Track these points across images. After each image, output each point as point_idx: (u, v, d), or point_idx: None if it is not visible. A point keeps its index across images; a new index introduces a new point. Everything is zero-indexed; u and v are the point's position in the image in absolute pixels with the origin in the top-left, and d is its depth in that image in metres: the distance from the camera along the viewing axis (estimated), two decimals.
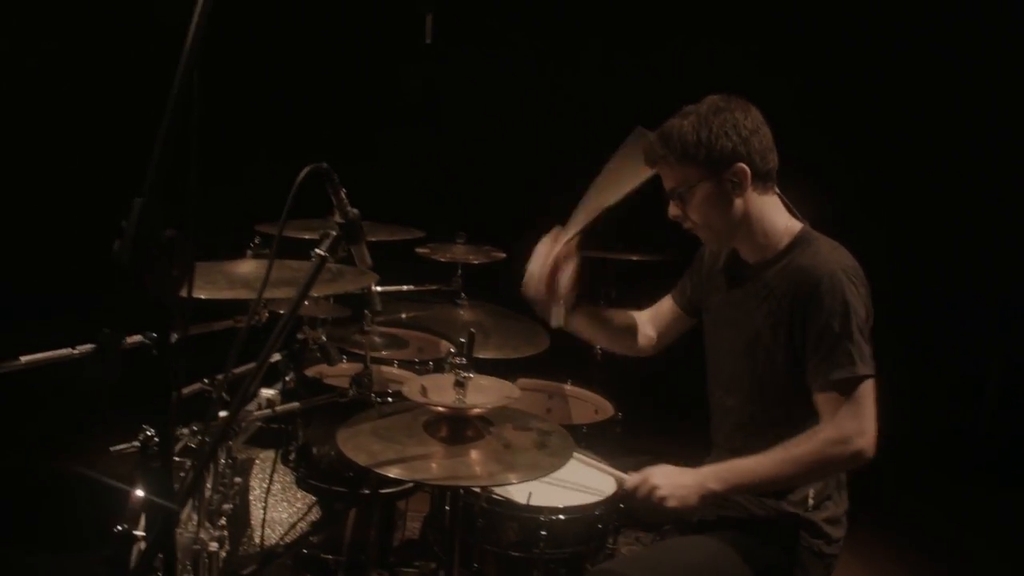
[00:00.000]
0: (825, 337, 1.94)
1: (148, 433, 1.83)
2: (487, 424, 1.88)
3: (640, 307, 2.80)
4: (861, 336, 1.95)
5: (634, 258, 3.60)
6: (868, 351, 1.95)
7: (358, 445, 1.76)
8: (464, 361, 1.81)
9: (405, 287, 3.41)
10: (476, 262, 3.35)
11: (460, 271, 3.40)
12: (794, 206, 2.19)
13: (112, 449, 1.75)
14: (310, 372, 2.48)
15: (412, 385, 1.86)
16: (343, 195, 1.67)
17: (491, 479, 1.75)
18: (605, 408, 3.09)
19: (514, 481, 1.73)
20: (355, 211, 1.69)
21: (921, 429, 1.99)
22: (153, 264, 1.01)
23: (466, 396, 1.81)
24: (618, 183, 2.23)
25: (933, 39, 3.97)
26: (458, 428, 1.82)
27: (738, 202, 2.09)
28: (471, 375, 1.81)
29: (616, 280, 3.73)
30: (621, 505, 2.32)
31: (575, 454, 2.19)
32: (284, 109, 4.19)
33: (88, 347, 1.73)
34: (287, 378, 2.38)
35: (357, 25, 4.14)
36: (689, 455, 2.44)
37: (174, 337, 1.17)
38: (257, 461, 2.74)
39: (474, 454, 1.77)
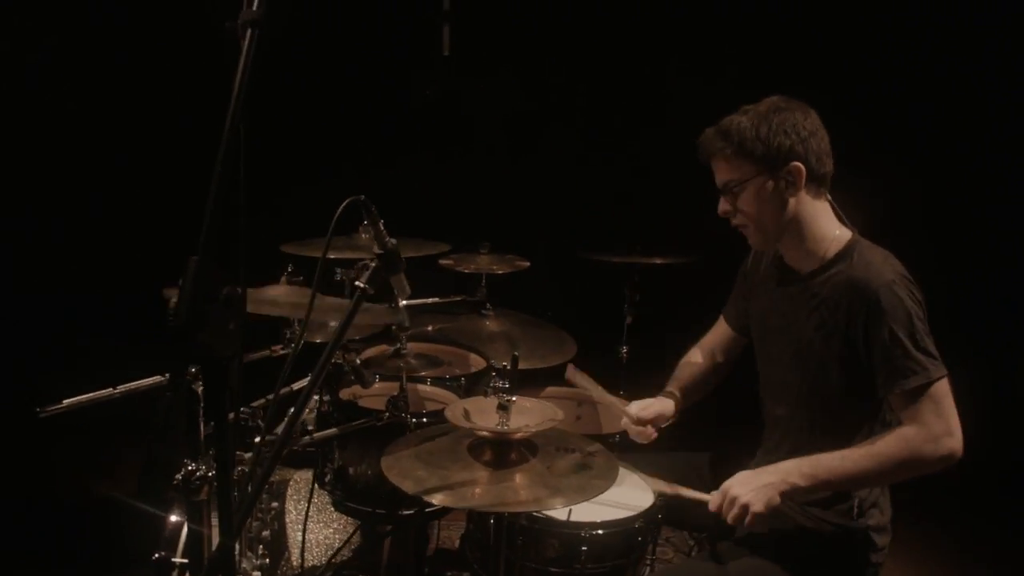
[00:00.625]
0: (894, 349, 1.95)
1: (191, 467, 1.83)
2: (531, 447, 1.87)
3: (665, 311, 2.79)
4: (927, 340, 1.97)
5: (657, 261, 3.57)
6: (936, 352, 1.97)
7: (403, 472, 1.75)
8: (507, 384, 1.80)
9: (431, 299, 3.41)
10: (500, 272, 3.33)
11: (484, 281, 3.38)
12: (844, 213, 2.18)
13: (176, 478, 1.73)
14: (344, 394, 2.47)
15: (455, 409, 1.85)
16: (381, 226, 1.66)
17: (538, 504, 1.74)
18: None
19: (559, 506, 1.72)
20: (393, 241, 1.67)
21: (968, 435, 1.97)
22: (209, 321, 1.01)
23: (509, 420, 1.80)
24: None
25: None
26: (502, 452, 1.81)
27: (791, 202, 2.09)
28: (514, 399, 1.80)
29: (639, 284, 3.70)
30: (659, 516, 2.31)
31: (656, 484, 2.22)
32: (302, 126, 4.17)
33: (129, 386, 1.74)
34: (322, 401, 2.37)
35: (375, 39, 4.12)
36: (724, 456, 2.44)
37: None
38: (292, 482, 2.74)
39: (519, 478, 1.76)
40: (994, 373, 3.73)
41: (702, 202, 2.29)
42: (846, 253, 2.11)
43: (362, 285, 1.62)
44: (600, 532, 2.18)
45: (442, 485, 1.71)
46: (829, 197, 2.16)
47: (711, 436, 2.64)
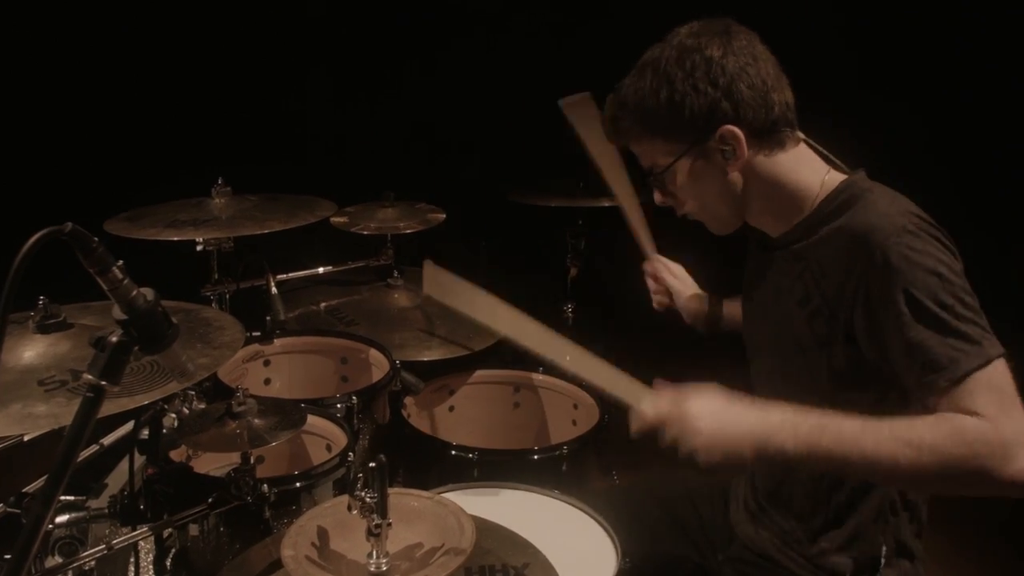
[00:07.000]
0: (918, 324, 1.27)
1: None
2: None
3: (615, 261, 2.27)
4: (970, 303, 1.30)
5: (605, 204, 2.90)
6: (983, 320, 1.29)
7: None
8: (375, 496, 1.11)
9: (321, 269, 2.75)
10: (409, 230, 2.70)
11: (390, 241, 2.74)
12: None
13: None
14: (176, 454, 1.76)
15: (300, 535, 1.16)
16: (118, 271, 0.93)
17: None
18: (585, 402, 2.47)
19: None
20: (147, 294, 0.95)
21: None
22: None
23: (386, 550, 1.13)
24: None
25: None
26: None
27: (735, 175, 1.48)
28: (389, 521, 1.12)
29: (586, 230, 3.04)
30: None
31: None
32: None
33: None
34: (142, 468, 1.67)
35: None
36: None
37: None
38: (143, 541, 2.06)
39: None
40: None
41: None
42: (835, 199, 1.45)
43: (91, 379, 0.91)
44: None
45: None
46: (803, 136, 1.51)
47: None
